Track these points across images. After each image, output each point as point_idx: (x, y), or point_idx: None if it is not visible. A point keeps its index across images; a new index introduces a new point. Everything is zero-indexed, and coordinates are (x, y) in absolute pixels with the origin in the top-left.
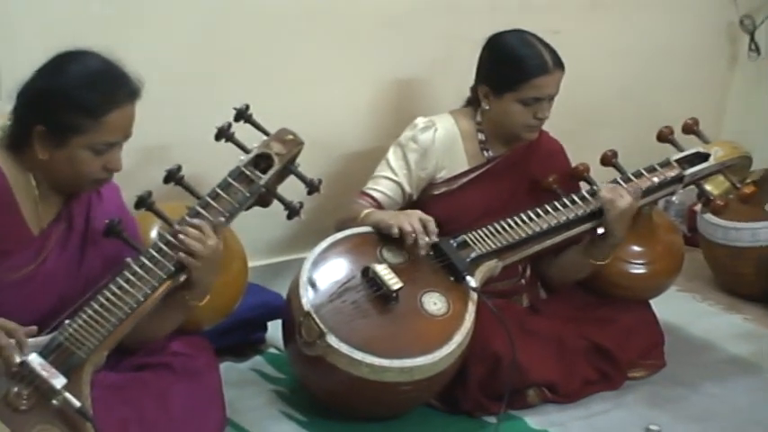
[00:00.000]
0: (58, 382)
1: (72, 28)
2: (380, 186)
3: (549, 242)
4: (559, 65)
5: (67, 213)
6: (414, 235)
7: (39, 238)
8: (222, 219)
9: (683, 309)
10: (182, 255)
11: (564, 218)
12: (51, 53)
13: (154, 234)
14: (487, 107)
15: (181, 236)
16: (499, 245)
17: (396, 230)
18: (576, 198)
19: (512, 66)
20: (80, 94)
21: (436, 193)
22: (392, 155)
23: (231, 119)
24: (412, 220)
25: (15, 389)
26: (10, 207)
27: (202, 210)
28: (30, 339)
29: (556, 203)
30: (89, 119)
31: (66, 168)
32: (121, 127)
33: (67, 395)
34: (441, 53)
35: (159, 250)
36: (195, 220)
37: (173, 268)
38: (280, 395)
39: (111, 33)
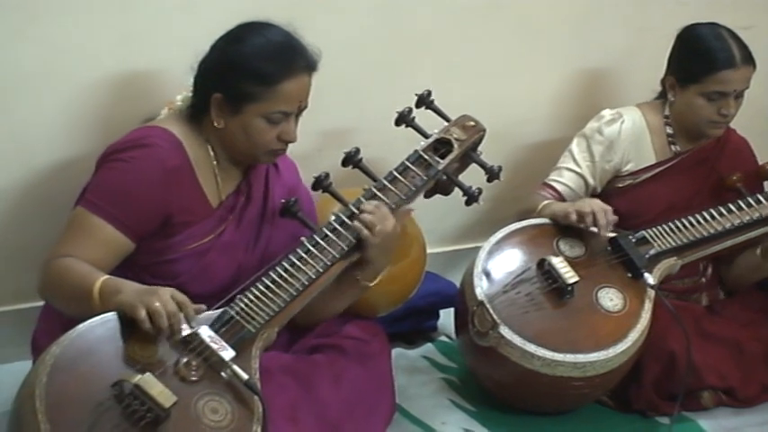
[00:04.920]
0: (227, 354)
1: (255, 6)
2: (563, 178)
3: (730, 242)
4: (748, 61)
5: (246, 186)
6: (592, 215)
7: (218, 210)
8: (405, 199)
9: None
10: (360, 228)
11: (747, 218)
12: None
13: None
14: (673, 99)
15: (362, 212)
16: (679, 242)
17: (574, 216)
18: (761, 198)
19: (698, 57)
20: (256, 62)
21: (620, 185)
22: (576, 146)
23: (412, 105)
24: (592, 205)
25: (185, 359)
26: (191, 180)
27: (378, 192)
28: (202, 314)
29: (740, 202)
30: (263, 87)
31: (241, 137)
32: (295, 97)
33: (235, 368)
34: (627, 45)
35: (334, 230)
36: (373, 201)
37: (346, 248)
38: (449, 384)
39: (295, 15)
